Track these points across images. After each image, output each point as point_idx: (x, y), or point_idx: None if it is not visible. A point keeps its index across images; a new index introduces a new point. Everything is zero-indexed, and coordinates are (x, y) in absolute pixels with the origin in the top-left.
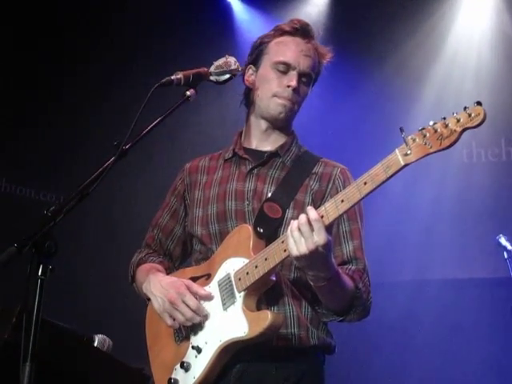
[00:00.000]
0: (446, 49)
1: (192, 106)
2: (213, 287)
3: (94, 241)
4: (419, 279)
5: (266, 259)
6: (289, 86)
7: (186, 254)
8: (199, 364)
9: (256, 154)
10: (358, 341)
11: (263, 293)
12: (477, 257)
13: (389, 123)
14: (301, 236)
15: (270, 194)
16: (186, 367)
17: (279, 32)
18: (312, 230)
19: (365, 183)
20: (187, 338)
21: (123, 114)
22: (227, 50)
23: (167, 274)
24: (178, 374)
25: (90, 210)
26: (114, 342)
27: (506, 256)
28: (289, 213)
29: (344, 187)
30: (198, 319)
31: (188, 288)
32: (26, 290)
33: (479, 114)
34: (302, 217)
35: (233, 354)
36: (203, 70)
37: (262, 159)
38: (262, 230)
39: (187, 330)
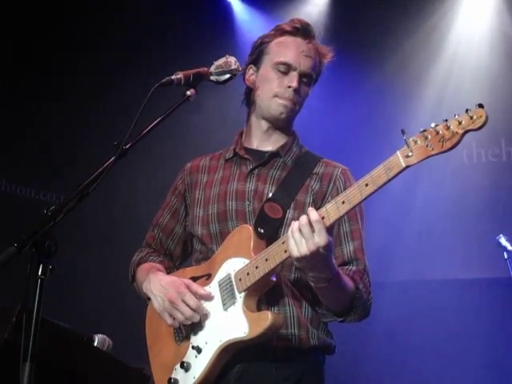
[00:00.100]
0: (446, 49)
1: (193, 105)
2: (213, 287)
3: (94, 240)
4: (419, 279)
5: (266, 260)
6: (290, 87)
7: (187, 253)
8: (199, 364)
9: (257, 154)
10: (358, 341)
11: (264, 293)
12: (477, 257)
13: (389, 123)
14: (301, 237)
15: (270, 195)
16: (186, 367)
17: (280, 32)
18: (313, 231)
19: (366, 185)
20: (187, 338)
21: (123, 114)
22: (227, 50)
23: (167, 273)
24: (178, 373)
25: (91, 210)
26: (114, 342)
27: (506, 256)
28: (289, 213)
29: (345, 188)
30: (197, 318)
31: (188, 287)
32: (26, 290)
33: (481, 116)
34: (303, 218)
35: (233, 354)
36: (203, 69)
37: (263, 159)
38: (262, 231)
39: (187, 330)
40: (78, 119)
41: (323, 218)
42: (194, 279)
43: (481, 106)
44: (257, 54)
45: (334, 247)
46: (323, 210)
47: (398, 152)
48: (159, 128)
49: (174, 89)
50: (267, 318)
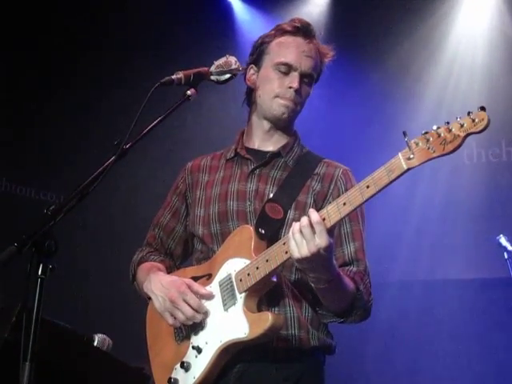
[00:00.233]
0: (446, 49)
1: (194, 105)
2: (214, 287)
3: (94, 240)
4: (419, 279)
5: (267, 260)
6: (291, 87)
7: (187, 253)
8: (199, 364)
9: (258, 154)
10: (358, 341)
11: (264, 294)
12: (477, 257)
13: (389, 122)
14: (302, 238)
15: (271, 195)
16: (186, 367)
17: (280, 32)
18: (314, 232)
19: (367, 187)
20: (188, 338)
21: (123, 113)
22: (228, 50)
23: (168, 273)
24: (178, 373)
25: (91, 209)
26: (114, 342)
27: (506, 256)
28: (290, 214)
29: (346, 188)
30: (198, 318)
31: (189, 287)
32: (26, 289)
33: (483, 119)
34: (304, 219)
35: (233, 355)
36: (204, 69)
37: (264, 159)
38: (263, 231)
39: (188, 330)
40: (78, 119)
41: (324, 219)
42: (195, 279)
43: (483, 108)
44: (257, 54)
45: (334, 248)
46: (324, 211)
47: (399, 154)
48: (159, 128)
49: (175, 88)
50: (267, 318)
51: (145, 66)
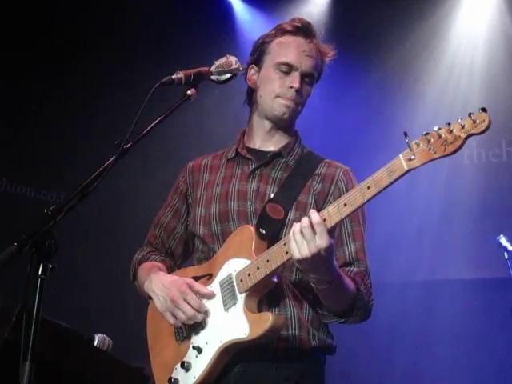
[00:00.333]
0: (447, 49)
1: (194, 104)
2: (214, 287)
3: (94, 239)
4: (420, 280)
5: (267, 261)
6: (292, 87)
7: (188, 253)
8: (200, 364)
9: (259, 154)
10: (358, 341)
11: (265, 294)
12: (477, 257)
13: (390, 123)
14: (303, 239)
15: (272, 195)
16: (186, 367)
17: (281, 31)
18: (314, 233)
19: (368, 187)
20: (188, 338)
21: (123, 113)
22: (228, 50)
23: (169, 272)
24: (179, 373)
25: (91, 209)
26: (114, 342)
27: (506, 256)
28: (291, 214)
29: (347, 188)
30: (200, 318)
31: (190, 287)
32: (26, 289)
33: (484, 120)
34: (305, 220)
35: (233, 355)
36: (204, 69)
37: (265, 159)
38: (264, 231)
39: (188, 330)
40: (78, 119)
41: (325, 219)
42: (196, 279)
43: (484, 110)
44: (258, 54)
45: (335, 248)
46: (325, 211)
47: (400, 155)
48: (160, 128)
49: (175, 88)
50: (268, 319)
51: (145, 65)
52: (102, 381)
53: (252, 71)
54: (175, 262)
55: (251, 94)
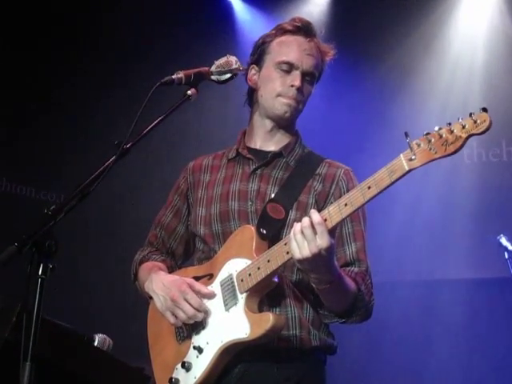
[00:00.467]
0: (447, 49)
1: (195, 104)
2: (215, 287)
3: (94, 239)
4: (420, 280)
5: (268, 261)
6: (293, 86)
7: (189, 252)
8: (200, 364)
9: (260, 154)
10: (360, 341)
11: (265, 294)
12: (477, 257)
13: (390, 122)
14: (304, 239)
15: (273, 195)
16: (187, 367)
17: (281, 31)
18: (315, 233)
19: (369, 187)
20: (189, 338)
21: (124, 113)
22: (228, 50)
23: (169, 272)
24: (179, 373)
25: (92, 209)
26: (114, 342)
27: (506, 256)
28: (292, 214)
29: (348, 188)
30: (200, 317)
31: (190, 286)
32: (27, 289)
33: (485, 120)
34: (305, 220)
35: (234, 355)
36: (204, 69)
37: (266, 159)
38: (264, 231)
39: (189, 330)
40: (78, 119)
41: (325, 220)
42: (196, 279)
43: (485, 110)
44: (258, 54)
45: (336, 248)
46: (325, 212)
47: (401, 155)
48: (160, 127)
49: (175, 88)
50: (269, 319)
51: (145, 66)
52: (102, 381)
53: (253, 71)
54: (176, 261)
55: (252, 95)
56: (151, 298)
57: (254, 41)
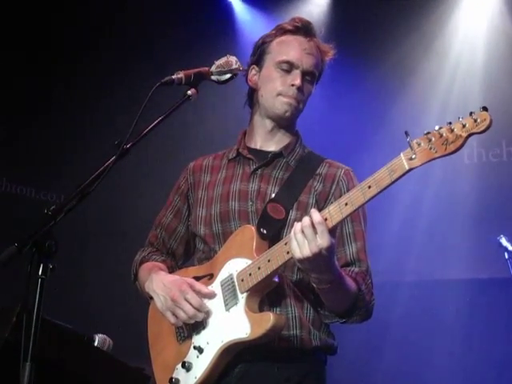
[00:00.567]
0: (447, 49)
1: (195, 104)
2: (215, 287)
3: (94, 239)
4: (420, 280)
5: (268, 261)
6: (293, 85)
7: (189, 253)
8: (201, 364)
9: (260, 154)
10: (360, 341)
11: (266, 294)
12: (477, 257)
13: (390, 122)
14: (304, 239)
15: (273, 195)
16: (187, 367)
17: (281, 31)
18: (315, 232)
19: (369, 187)
20: (189, 338)
21: (124, 113)
22: (228, 50)
23: (170, 272)
24: (180, 373)
25: (92, 209)
26: (115, 342)
27: (506, 256)
28: (292, 214)
29: (348, 188)
30: (200, 317)
31: (191, 286)
32: (27, 290)
33: (485, 119)
34: (306, 219)
35: (234, 355)
36: (204, 69)
37: (266, 159)
38: (265, 231)
39: (189, 330)
40: (78, 119)
41: (326, 219)
42: (197, 279)
43: (485, 109)
44: (258, 54)
45: (336, 248)
46: (326, 211)
47: (401, 154)
48: (160, 127)
49: (175, 88)
50: (269, 319)
51: (145, 65)
52: (102, 381)
53: (253, 72)
54: (176, 262)
55: (252, 95)
56: (151, 298)
57: (254, 41)
